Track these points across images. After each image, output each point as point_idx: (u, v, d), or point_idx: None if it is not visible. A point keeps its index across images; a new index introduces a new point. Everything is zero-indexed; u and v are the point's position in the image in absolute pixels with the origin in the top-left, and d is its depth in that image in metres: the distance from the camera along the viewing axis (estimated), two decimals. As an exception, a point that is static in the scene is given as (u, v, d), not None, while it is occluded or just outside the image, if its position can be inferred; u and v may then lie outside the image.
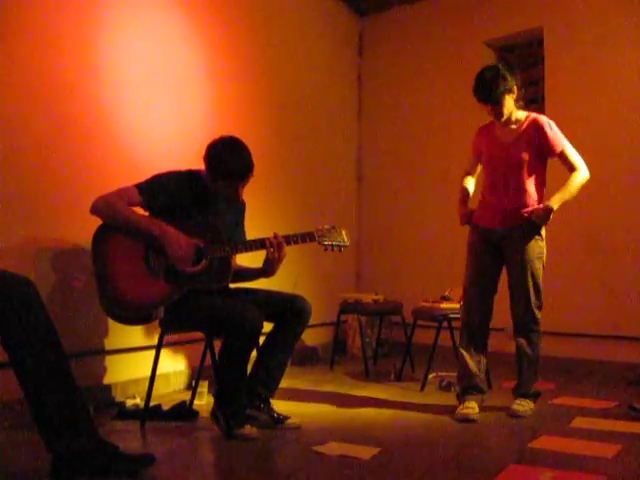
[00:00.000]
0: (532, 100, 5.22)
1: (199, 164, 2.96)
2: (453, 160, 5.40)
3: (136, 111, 3.59)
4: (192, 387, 3.30)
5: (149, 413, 2.92)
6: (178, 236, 2.72)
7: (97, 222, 2.74)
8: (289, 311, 2.91)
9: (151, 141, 3.67)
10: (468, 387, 3.24)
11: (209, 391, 3.32)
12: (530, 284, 3.15)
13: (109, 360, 3.34)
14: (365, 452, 2.44)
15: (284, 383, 3.08)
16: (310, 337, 4.81)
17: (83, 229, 2.84)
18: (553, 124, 3.14)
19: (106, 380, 3.31)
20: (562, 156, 3.12)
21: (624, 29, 4.55)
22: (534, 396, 3.22)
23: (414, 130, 5.62)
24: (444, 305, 3.92)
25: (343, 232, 2.97)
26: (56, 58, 3.16)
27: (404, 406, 3.37)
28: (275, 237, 2.86)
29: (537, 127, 3.12)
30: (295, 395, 3.59)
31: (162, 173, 2.89)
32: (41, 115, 3.07)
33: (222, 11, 4.30)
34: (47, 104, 3.10)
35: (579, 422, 2.98)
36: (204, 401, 3.32)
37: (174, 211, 2.84)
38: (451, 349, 4.22)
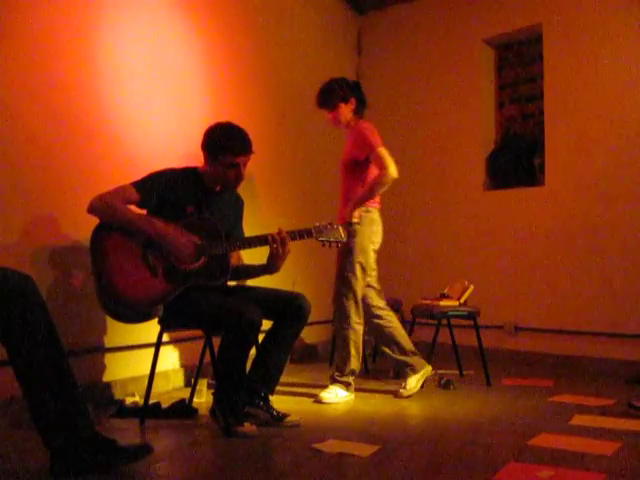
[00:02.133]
0: (531, 97, 5.23)
1: (198, 160, 2.96)
2: (451, 158, 5.42)
3: (135, 108, 3.59)
4: (191, 385, 3.30)
5: (148, 411, 2.92)
6: (175, 235, 2.71)
7: (96, 219, 2.74)
8: (288, 309, 2.91)
9: (150, 138, 3.66)
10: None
11: (208, 388, 3.32)
12: (340, 275, 3.45)
13: (108, 358, 3.34)
14: (364, 450, 2.44)
15: (283, 381, 3.08)
16: (309, 335, 4.81)
17: (82, 226, 2.83)
18: (369, 129, 3.40)
19: (105, 378, 3.31)
20: (372, 157, 3.37)
21: (623, 26, 4.55)
22: (342, 383, 3.46)
23: (412, 128, 5.61)
24: (443, 303, 3.93)
25: (340, 228, 2.99)
26: (55, 55, 3.14)
27: (403, 403, 3.38)
28: (279, 232, 2.85)
29: (356, 131, 3.43)
30: (294, 393, 3.60)
31: (158, 171, 2.89)
32: (40, 112, 3.06)
33: (220, 9, 4.29)
34: (46, 101, 3.09)
35: (578, 420, 2.98)
36: (203, 399, 3.32)
37: (171, 208, 2.83)
38: (450, 347, 4.23)
